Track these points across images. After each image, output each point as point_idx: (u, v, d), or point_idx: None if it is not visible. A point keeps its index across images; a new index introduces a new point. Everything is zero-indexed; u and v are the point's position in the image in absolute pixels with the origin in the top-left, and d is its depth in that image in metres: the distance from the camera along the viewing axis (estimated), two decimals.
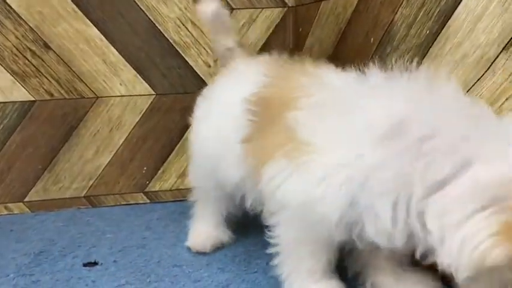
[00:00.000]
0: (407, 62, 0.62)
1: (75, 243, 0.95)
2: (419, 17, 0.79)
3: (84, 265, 0.85)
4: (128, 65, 1.18)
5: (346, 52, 1.00)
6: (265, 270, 0.79)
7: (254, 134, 0.72)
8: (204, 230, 0.91)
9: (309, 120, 0.63)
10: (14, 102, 1.15)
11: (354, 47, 0.97)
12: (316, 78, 0.71)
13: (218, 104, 0.86)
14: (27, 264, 0.86)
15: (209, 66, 1.21)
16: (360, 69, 0.68)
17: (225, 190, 0.82)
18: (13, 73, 1.15)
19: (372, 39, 0.91)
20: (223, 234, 0.91)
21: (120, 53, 1.17)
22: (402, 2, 0.83)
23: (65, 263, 0.86)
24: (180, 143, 1.22)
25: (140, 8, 1.17)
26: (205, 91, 0.93)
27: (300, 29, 1.19)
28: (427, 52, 0.77)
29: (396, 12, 0.85)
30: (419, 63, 0.62)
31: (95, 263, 0.85)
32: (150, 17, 1.17)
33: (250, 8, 1.21)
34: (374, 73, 0.64)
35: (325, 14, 1.07)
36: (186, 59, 1.20)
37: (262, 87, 0.74)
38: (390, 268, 0.70)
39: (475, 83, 0.68)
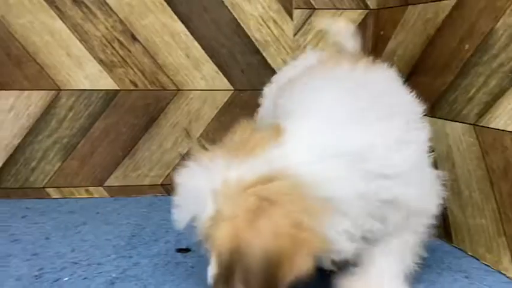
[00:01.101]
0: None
1: (163, 229, 0.99)
2: None
3: (177, 251, 0.88)
4: (210, 60, 1.21)
5: (435, 58, 1.01)
6: None
7: None
8: None
9: None
10: (99, 91, 1.20)
11: (444, 53, 0.98)
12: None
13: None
14: (124, 247, 0.90)
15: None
16: None
17: None
18: (101, 62, 1.19)
19: (467, 46, 0.92)
20: None
21: (203, 48, 1.21)
22: (506, 11, 0.83)
23: (159, 248, 0.89)
24: None
25: (225, 5, 1.20)
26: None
27: (382, 32, 1.19)
28: None
29: (498, 21, 0.85)
30: None
31: (188, 249, 0.89)
32: (234, 14, 1.20)
33: (331, 9, 1.22)
34: None
35: (411, 19, 1.08)
36: (266, 56, 1.23)
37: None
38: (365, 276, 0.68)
39: None
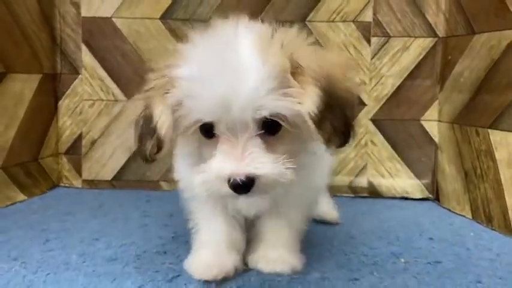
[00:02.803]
0: None
1: None
2: None
3: None
4: None
5: (498, 79, 1.16)
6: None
7: None
8: None
9: None
10: None
11: (506, 75, 1.14)
12: None
13: None
14: None
15: (365, 83, 1.43)
16: None
17: None
18: None
19: None
20: None
21: None
22: None
23: None
24: None
25: (314, 36, 1.42)
26: None
27: (449, 57, 1.37)
28: None
29: None
30: None
31: None
32: (320, 41, 1.42)
33: (405, 37, 1.42)
34: None
35: (477, 45, 1.25)
36: None
37: None
38: (263, 247, 0.83)
39: None
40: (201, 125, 0.67)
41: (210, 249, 0.81)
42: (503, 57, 1.15)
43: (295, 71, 0.65)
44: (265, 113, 0.64)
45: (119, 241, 0.97)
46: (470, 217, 1.23)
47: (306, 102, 0.64)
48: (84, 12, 1.44)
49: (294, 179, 0.66)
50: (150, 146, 0.68)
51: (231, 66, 0.63)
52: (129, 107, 0.69)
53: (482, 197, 1.19)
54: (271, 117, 0.65)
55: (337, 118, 0.66)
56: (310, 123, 0.64)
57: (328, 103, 0.64)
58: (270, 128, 0.67)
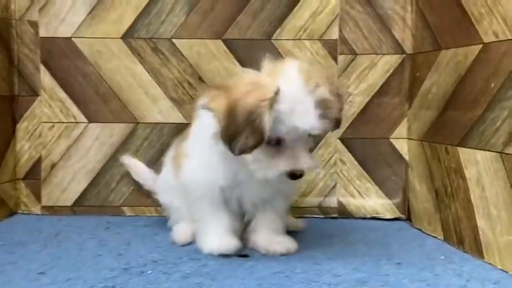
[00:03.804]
0: None
1: None
2: None
3: (238, 256, 1.03)
4: None
5: (465, 95, 1.14)
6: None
7: None
8: None
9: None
10: (171, 124, 1.40)
11: (473, 91, 1.11)
12: None
13: None
14: (194, 251, 1.06)
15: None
16: None
17: None
18: (172, 100, 1.40)
19: (493, 84, 1.05)
20: None
21: None
22: None
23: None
24: None
25: (279, 51, 1.39)
26: None
27: (418, 74, 1.34)
28: None
29: None
30: None
31: (247, 255, 1.03)
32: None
33: (372, 54, 1.39)
34: None
35: (444, 61, 1.22)
36: None
37: None
38: (264, 232, 1.08)
39: None
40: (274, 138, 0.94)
41: (218, 234, 1.05)
42: (470, 73, 1.13)
43: (329, 92, 0.96)
44: (316, 132, 0.94)
45: (66, 275, 0.90)
46: (442, 238, 1.19)
47: (335, 113, 0.98)
48: (43, 32, 1.39)
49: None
50: (252, 141, 0.89)
51: (302, 106, 0.92)
52: (213, 95, 0.95)
53: (453, 217, 1.16)
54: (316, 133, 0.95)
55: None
56: (332, 126, 1.00)
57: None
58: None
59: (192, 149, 1.06)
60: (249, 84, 0.91)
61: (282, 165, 0.94)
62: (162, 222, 1.26)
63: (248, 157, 0.94)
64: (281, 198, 1.10)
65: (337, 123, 1.00)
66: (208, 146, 0.99)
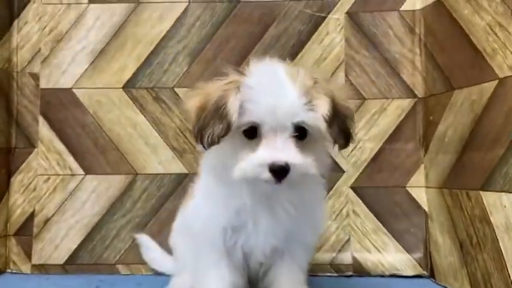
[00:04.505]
0: None
1: None
2: None
3: None
4: None
5: (484, 135, 1.05)
6: None
7: None
8: None
9: None
10: (171, 174, 1.33)
11: (492, 130, 1.03)
12: None
13: None
14: None
15: None
16: None
17: None
18: (173, 149, 1.34)
19: None
20: None
21: None
22: None
23: None
24: None
25: None
26: None
27: (431, 117, 1.27)
28: None
29: None
30: None
31: None
32: None
33: (381, 98, 1.33)
34: None
35: (458, 102, 1.15)
36: None
37: None
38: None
39: None
40: (246, 128, 0.83)
41: None
42: (486, 111, 1.05)
43: (314, 86, 0.84)
44: (298, 119, 0.81)
45: None
46: None
47: (321, 107, 0.83)
48: (44, 84, 1.37)
49: (316, 173, 0.84)
50: (219, 129, 0.81)
51: (278, 86, 0.83)
52: (189, 95, 0.89)
53: (481, 270, 1.03)
54: (302, 124, 0.82)
55: (342, 122, 0.86)
56: (324, 124, 0.82)
57: (335, 110, 0.84)
58: (299, 134, 0.83)
59: (197, 188, 0.98)
60: (224, 81, 0.86)
61: (261, 157, 0.81)
62: (157, 281, 1.15)
63: (226, 152, 0.85)
64: (300, 248, 0.95)
65: (347, 137, 0.88)
66: (212, 182, 0.92)
